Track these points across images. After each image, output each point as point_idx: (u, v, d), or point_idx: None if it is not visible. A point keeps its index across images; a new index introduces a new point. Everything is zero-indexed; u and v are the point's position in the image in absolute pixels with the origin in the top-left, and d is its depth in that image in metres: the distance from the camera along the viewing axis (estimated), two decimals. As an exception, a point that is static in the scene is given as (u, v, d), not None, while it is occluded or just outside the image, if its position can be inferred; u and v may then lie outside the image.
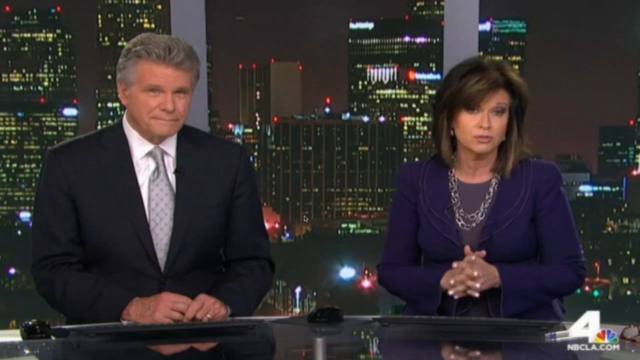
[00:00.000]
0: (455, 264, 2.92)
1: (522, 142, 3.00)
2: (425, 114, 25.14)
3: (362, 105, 26.24)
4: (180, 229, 2.90)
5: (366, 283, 22.24)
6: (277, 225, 24.28)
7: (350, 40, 26.50)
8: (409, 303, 3.08)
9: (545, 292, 2.97)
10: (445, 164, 3.05)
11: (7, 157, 24.48)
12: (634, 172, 24.63)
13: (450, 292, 2.92)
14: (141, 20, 25.11)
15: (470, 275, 2.89)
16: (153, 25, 24.90)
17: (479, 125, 2.94)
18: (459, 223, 3.01)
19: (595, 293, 23.11)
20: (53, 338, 2.56)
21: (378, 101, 26.17)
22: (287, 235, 24.48)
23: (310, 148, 25.53)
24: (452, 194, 3.04)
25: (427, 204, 3.03)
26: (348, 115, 26.04)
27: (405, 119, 25.81)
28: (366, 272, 22.21)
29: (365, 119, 25.98)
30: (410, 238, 3.07)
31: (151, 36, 2.88)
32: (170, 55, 2.84)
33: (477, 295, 2.91)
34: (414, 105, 26.01)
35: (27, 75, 24.92)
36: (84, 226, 2.90)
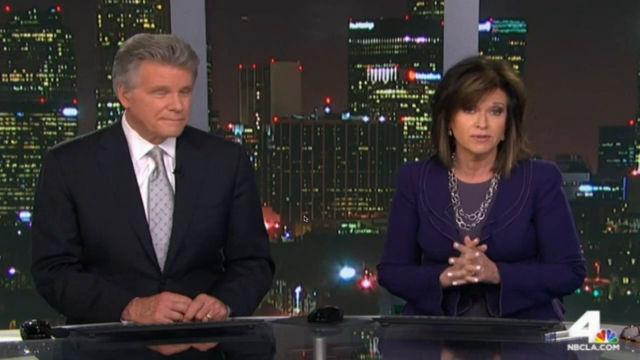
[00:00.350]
0: (456, 244, 2.91)
1: (521, 141, 3.00)
2: (425, 114, 25.10)
3: (362, 105, 26.20)
4: (180, 229, 2.90)
5: (366, 283, 22.22)
6: (277, 225, 24.25)
7: (350, 40, 26.46)
8: (410, 303, 3.08)
9: (544, 290, 2.97)
10: (444, 164, 3.05)
11: (7, 157, 24.44)
12: (634, 172, 24.60)
13: (450, 274, 2.91)
14: (141, 20, 25.08)
15: (471, 257, 2.89)
16: (153, 25, 24.88)
17: (477, 125, 2.94)
18: (459, 223, 3.01)
19: (595, 293, 23.09)
20: (53, 338, 2.57)
21: (378, 101, 26.13)
22: (287, 235, 24.45)
23: (310, 148, 25.50)
24: (452, 193, 3.04)
25: (427, 204, 3.03)
26: (348, 115, 26.00)
27: (405, 119, 25.77)
28: (366, 272, 22.19)
29: (365, 119, 25.93)
30: (410, 238, 3.07)
31: (148, 37, 2.88)
32: (175, 55, 2.84)
33: (476, 280, 2.90)
34: (414, 105, 25.96)
35: (27, 75, 24.88)
36: (83, 226, 2.90)
